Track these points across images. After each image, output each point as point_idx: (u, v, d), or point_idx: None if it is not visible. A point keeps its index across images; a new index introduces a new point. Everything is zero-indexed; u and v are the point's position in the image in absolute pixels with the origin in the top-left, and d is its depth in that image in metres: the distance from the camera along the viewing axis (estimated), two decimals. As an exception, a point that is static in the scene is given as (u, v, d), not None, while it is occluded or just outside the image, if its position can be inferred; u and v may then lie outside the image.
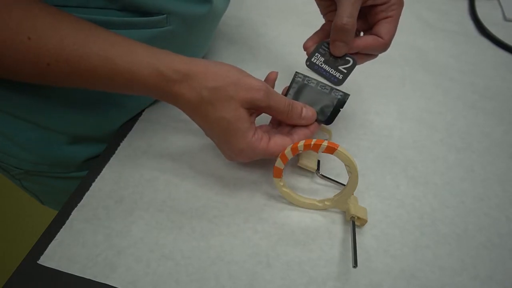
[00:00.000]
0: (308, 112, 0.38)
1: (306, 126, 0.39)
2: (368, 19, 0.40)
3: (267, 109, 0.36)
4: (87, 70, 0.32)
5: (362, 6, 0.37)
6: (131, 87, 0.34)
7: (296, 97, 0.40)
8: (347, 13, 0.36)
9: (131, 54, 0.33)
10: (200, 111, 0.35)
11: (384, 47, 0.39)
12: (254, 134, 0.36)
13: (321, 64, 0.41)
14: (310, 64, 0.41)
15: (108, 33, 0.33)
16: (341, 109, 0.40)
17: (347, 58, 0.40)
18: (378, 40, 0.39)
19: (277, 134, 0.39)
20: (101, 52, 0.32)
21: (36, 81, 0.34)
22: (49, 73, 0.32)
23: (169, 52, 0.35)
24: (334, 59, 0.40)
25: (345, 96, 0.40)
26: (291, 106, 0.37)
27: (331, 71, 0.40)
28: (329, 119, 0.40)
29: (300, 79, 0.41)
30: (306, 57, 0.43)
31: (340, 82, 0.40)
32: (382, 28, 0.39)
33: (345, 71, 0.40)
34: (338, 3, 0.37)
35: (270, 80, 0.40)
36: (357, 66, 0.40)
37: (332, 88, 0.40)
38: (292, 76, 0.41)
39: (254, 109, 0.36)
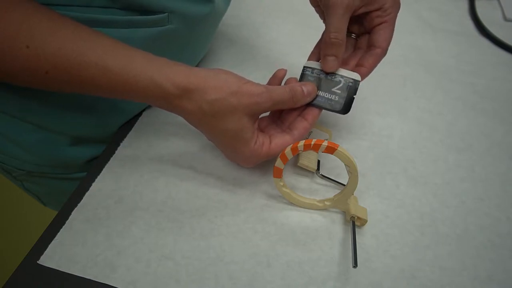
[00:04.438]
0: (308, 87, 0.38)
1: (305, 119, 0.39)
2: (364, 23, 0.40)
3: (273, 107, 0.36)
4: (86, 79, 0.32)
5: (356, 14, 0.37)
6: (132, 97, 0.34)
7: None
8: (335, 28, 0.36)
9: (129, 64, 0.33)
10: (203, 123, 0.35)
11: (384, 54, 0.40)
12: (256, 141, 0.36)
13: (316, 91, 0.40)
14: None
15: (106, 39, 0.33)
16: (355, 96, 0.39)
17: (338, 78, 0.39)
18: (377, 54, 0.39)
19: (277, 133, 0.39)
20: (99, 62, 0.32)
21: (36, 87, 0.34)
22: (48, 81, 0.32)
23: (168, 60, 0.34)
24: (327, 83, 0.40)
25: (356, 82, 0.39)
26: (292, 90, 0.37)
27: (327, 95, 0.39)
28: (345, 109, 0.39)
29: (309, 72, 0.40)
30: (306, 56, 0.43)
31: (339, 105, 0.39)
32: (378, 36, 0.39)
33: (339, 91, 0.39)
34: (326, 17, 0.37)
35: (278, 77, 0.41)
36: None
37: (342, 76, 0.39)
38: (296, 73, 0.41)
39: (258, 114, 0.36)
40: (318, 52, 0.42)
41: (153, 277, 0.35)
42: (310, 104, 0.39)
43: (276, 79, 0.41)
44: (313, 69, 0.40)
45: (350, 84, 0.39)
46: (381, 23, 0.38)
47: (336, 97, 0.39)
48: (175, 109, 0.35)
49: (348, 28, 0.37)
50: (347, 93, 0.39)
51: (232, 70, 0.36)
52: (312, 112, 0.39)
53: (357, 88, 0.39)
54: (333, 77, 0.40)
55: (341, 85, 0.39)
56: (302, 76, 0.41)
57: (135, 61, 0.33)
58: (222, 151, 0.40)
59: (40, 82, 0.33)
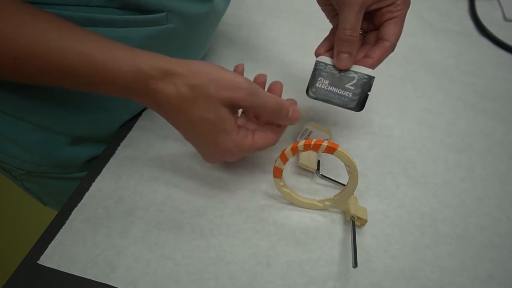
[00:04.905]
0: (295, 113, 0.37)
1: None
2: (373, 20, 0.40)
3: (250, 109, 0.35)
4: (63, 66, 0.31)
5: (367, 11, 0.37)
6: (111, 85, 0.33)
7: (324, 85, 0.39)
8: (350, 25, 0.36)
9: (109, 51, 0.32)
10: (181, 110, 0.34)
11: (392, 49, 0.39)
12: (238, 132, 0.35)
13: (328, 87, 0.39)
14: (316, 91, 0.40)
15: (86, 30, 0.32)
16: (369, 93, 0.38)
17: (352, 75, 0.39)
18: (386, 48, 0.38)
19: (258, 127, 0.38)
20: (78, 47, 0.31)
21: (6, 77, 0.33)
22: (18, 69, 0.31)
23: (150, 52, 0.34)
24: (340, 78, 0.39)
25: (371, 78, 0.38)
26: (280, 104, 0.35)
27: (340, 91, 0.39)
28: (360, 106, 0.39)
29: (322, 67, 0.40)
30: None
31: (353, 102, 0.39)
32: (388, 29, 0.38)
33: (352, 88, 0.39)
34: (340, 13, 0.37)
35: (258, 83, 0.39)
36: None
37: (356, 73, 0.39)
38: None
39: (236, 108, 0.35)
40: (328, 45, 0.41)
41: (153, 277, 0.35)
42: (323, 101, 0.39)
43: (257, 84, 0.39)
44: (326, 64, 0.40)
45: (365, 80, 0.39)
46: (391, 18, 0.38)
47: (350, 93, 0.39)
48: (153, 95, 0.33)
49: None
50: (361, 90, 0.39)
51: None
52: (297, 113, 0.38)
53: (372, 85, 0.38)
54: (347, 73, 0.39)
55: (355, 81, 0.39)
56: (315, 70, 0.40)
57: (115, 48, 0.32)
58: (201, 148, 0.37)
59: (9, 70, 0.32)
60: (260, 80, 0.40)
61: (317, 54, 0.41)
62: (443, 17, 0.67)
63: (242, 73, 0.39)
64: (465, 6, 0.70)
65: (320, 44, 0.42)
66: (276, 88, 0.39)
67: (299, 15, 0.66)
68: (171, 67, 0.32)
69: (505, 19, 0.67)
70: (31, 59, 0.31)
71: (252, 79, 0.36)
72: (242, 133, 0.36)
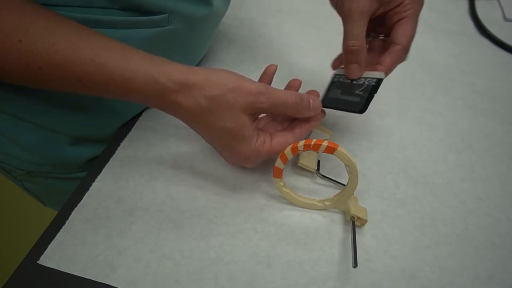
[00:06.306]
0: (315, 102, 0.37)
1: (307, 120, 0.38)
2: (386, 23, 0.39)
3: (271, 109, 0.35)
4: (81, 76, 0.32)
5: (375, 16, 0.36)
6: (127, 94, 0.34)
7: (335, 95, 0.40)
8: (352, 35, 0.36)
9: (126, 61, 0.32)
10: (201, 120, 0.34)
11: (404, 52, 0.38)
12: (257, 139, 0.36)
13: (339, 96, 0.40)
14: (329, 101, 0.40)
15: (103, 37, 0.33)
16: (375, 95, 0.38)
17: (362, 81, 0.39)
18: (396, 52, 0.38)
19: (277, 131, 0.38)
20: (95, 58, 0.31)
21: (29, 85, 0.34)
22: (41, 77, 0.32)
23: (165, 59, 0.34)
24: (351, 86, 0.39)
25: (379, 81, 0.38)
26: (300, 96, 0.36)
27: (349, 98, 0.39)
28: (363, 108, 0.38)
29: (336, 79, 0.41)
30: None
31: (359, 105, 0.39)
32: (397, 31, 0.37)
33: (361, 93, 0.39)
34: (343, 24, 0.36)
35: (268, 74, 0.40)
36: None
37: (365, 78, 0.39)
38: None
39: (257, 114, 0.36)
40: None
41: (153, 277, 0.35)
42: (332, 108, 0.39)
43: (267, 76, 0.40)
44: (340, 75, 0.41)
45: (373, 83, 0.38)
46: (400, 19, 0.37)
47: (358, 98, 0.39)
48: (171, 105, 0.34)
49: (374, 30, 0.36)
50: (368, 93, 0.38)
51: (232, 70, 0.36)
52: (315, 117, 0.39)
53: (379, 86, 0.38)
54: (358, 80, 0.39)
55: (364, 87, 0.39)
56: (331, 83, 0.41)
57: (131, 57, 0.33)
58: (220, 153, 0.39)
59: (34, 78, 0.32)
60: (294, 85, 0.40)
61: (333, 68, 0.42)
62: (443, 17, 0.67)
63: (272, 75, 0.40)
64: (465, 6, 0.70)
65: (336, 57, 0.42)
66: (295, 84, 0.40)
67: (299, 15, 0.66)
68: (188, 78, 0.33)
69: (505, 19, 0.67)
70: (50, 68, 0.31)
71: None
72: (261, 140, 0.36)
